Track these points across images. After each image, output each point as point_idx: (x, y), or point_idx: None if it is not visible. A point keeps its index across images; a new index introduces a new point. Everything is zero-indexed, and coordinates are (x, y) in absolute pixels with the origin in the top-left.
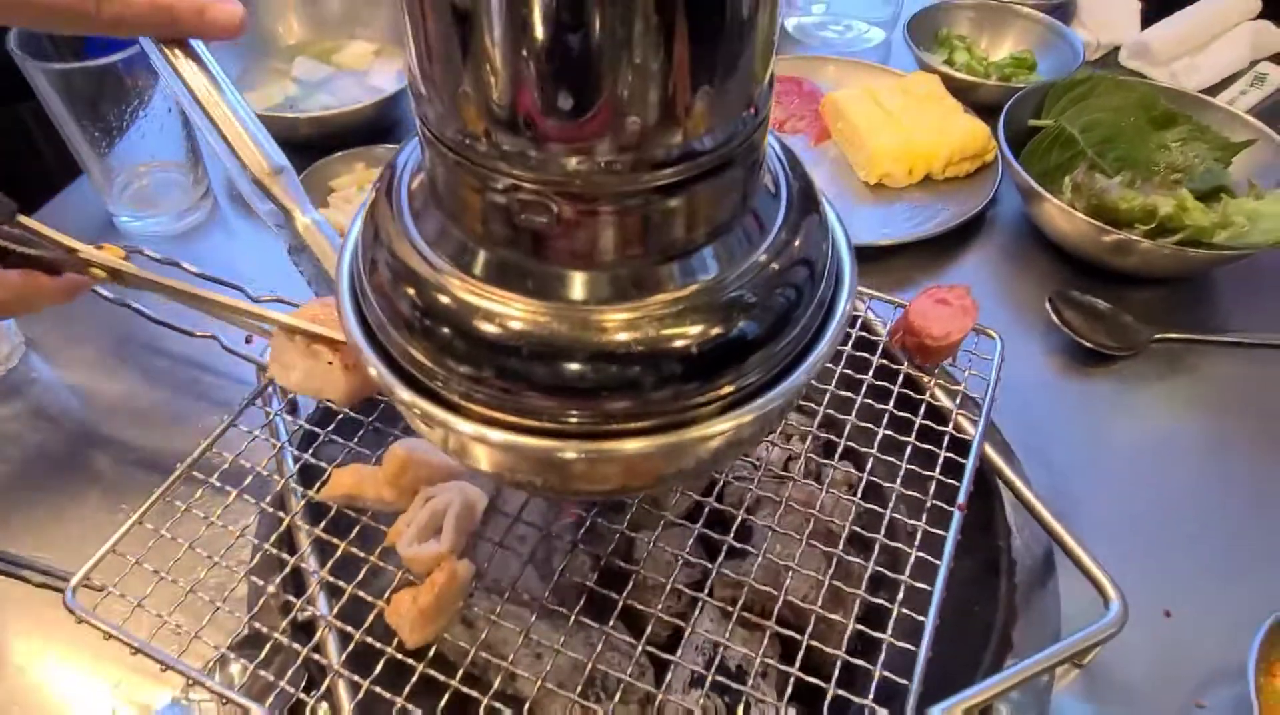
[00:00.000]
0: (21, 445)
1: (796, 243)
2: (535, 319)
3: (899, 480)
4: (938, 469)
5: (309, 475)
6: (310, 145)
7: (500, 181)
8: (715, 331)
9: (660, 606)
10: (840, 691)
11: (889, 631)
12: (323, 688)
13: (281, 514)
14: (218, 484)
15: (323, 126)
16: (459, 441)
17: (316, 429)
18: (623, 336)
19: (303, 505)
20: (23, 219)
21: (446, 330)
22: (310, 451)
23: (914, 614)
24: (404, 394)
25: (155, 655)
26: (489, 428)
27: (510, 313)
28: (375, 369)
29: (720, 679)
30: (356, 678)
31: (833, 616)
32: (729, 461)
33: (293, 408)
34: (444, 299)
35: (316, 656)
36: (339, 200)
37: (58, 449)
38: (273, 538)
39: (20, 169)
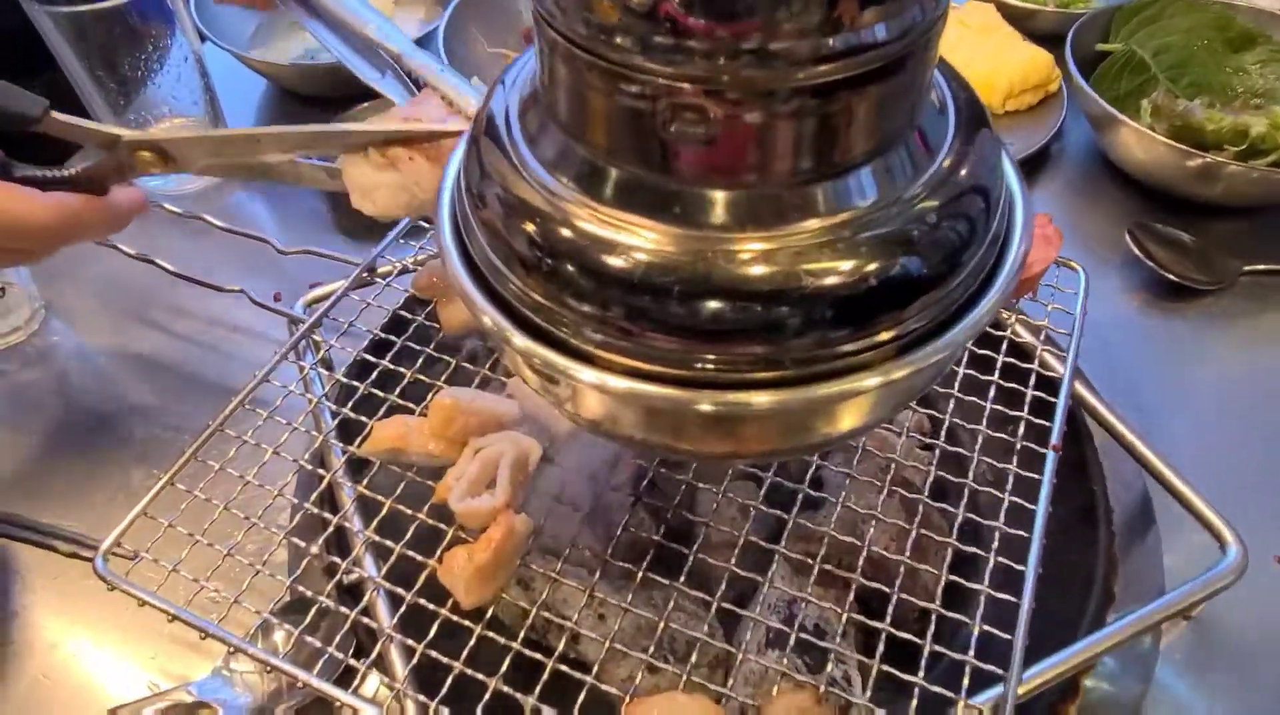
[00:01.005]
0: (45, 412)
1: (967, 166)
2: (667, 250)
3: (984, 421)
4: (1025, 409)
5: (347, 431)
6: (331, 97)
7: (642, 81)
8: (873, 267)
9: (733, 562)
10: (936, 646)
11: (985, 582)
12: (374, 653)
13: (321, 471)
14: (253, 442)
15: (342, 76)
16: (580, 393)
17: (354, 382)
18: (763, 269)
19: (344, 462)
20: (56, 115)
21: (569, 266)
22: (349, 406)
23: (1012, 563)
24: (519, 341)
25: (193, 622)
26: (615, 376)
27: (640, 243)
28: (489, 317)
29: (803, 636)
30: (410, 641)
31: (921, 567)
32: (878, 424)
33: (327, 364)
34: (565, 231)
35: (366, 620)
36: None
37: (82, 415)
38: (313, 497)
39: (37, 141)
